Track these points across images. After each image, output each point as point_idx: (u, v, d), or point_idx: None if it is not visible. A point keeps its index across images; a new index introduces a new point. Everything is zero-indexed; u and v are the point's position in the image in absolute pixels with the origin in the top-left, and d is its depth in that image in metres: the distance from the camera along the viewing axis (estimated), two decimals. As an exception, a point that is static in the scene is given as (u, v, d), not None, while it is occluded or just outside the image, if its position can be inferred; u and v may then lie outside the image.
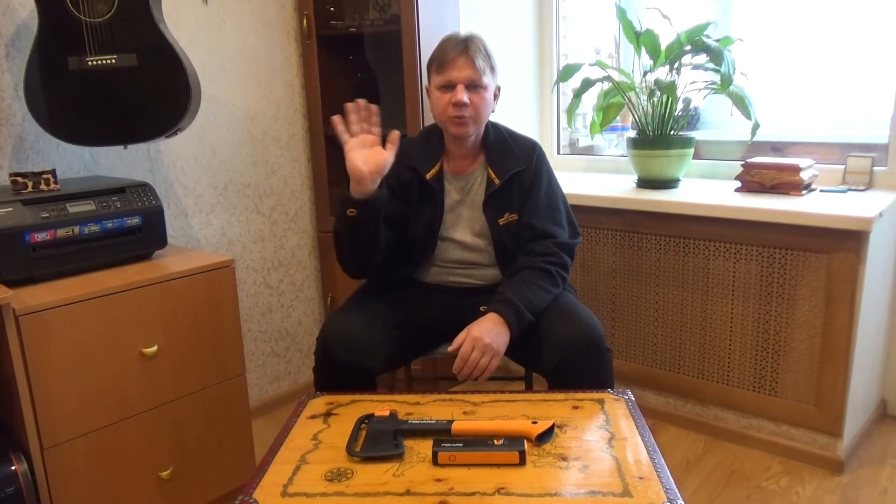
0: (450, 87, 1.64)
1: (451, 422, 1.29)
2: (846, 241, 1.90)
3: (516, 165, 1.72)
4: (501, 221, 1.73)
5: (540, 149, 1.78)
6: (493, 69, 1.69)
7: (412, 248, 1.77)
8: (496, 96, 1.74)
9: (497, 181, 1.71)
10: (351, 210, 1.55)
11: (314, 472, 1.18)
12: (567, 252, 1.72)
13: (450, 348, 1.56)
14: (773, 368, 2.12)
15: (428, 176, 1.72)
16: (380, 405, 1.37)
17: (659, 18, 2.35)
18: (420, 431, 1.28)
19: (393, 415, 1.33)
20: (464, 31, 1.69)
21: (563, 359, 1.52)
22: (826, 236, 1.93)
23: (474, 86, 1.64)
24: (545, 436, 1.24)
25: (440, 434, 1.26)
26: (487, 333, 1.52)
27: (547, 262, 1.66)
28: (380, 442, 1.24)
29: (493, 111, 1.74)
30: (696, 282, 2.22)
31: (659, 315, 2.33)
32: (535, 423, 1.26)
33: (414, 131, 2.33)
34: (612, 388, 1.47)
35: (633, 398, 1.42)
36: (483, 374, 1.53)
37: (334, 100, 2.57)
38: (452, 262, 1.79)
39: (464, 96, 1.62)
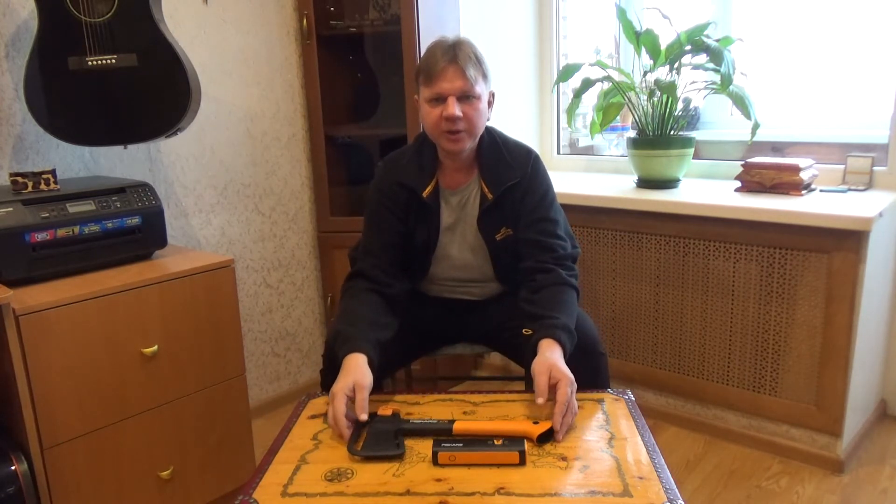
0: (440, 99, 1.52)
1: (452, 421, 1.29)
2: (846, 241, 1.90)
3: (510, 178, 1.61)
4: (498, 237, 1.65)
5: (535, 157, 1.66)
6: (485, 76, 1.56)
7: (408, 264, 1.71)
8: (490, 103, 1.62)
9: (490, 196, 1.61)
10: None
11: (314, 472, 1.18)
12: (575, 263, 1.67)
13: (540, 400, 1.29)
14: (773, 368, 2.12)
15: (424, 194, 1.62)
16: (382, 404, 1.37)
17: (659, 18, 2.35)
18: (421, 431, 1.28)
19: (395, 414, 1.33)
20: (451, 35, 1.57)
21: None
22: (826, 236, 1.93)
23: (466, 97, 1.51)
24: (546, 436, 1.24)
25: (441, 434, 1.26)
26: (564, 366, 1.34)
27: (570, 276, 1.59)
28: (381, 441, 1.24)
29: (487, 119, 1.62)
30: (696, 282, 2.22)
31: (659, 315, 2.33)
32: (536, 423, 1.26)
33: (414, 132, 2.33)
34: (607, 389, 1.47)
35: (633, 398, 1.42)
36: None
37: (334, 100, 2.58)
38: (449, 280, 1.74)
39: (456, 109, 1.50)
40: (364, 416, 1.29)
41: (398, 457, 1.21)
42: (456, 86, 1.51)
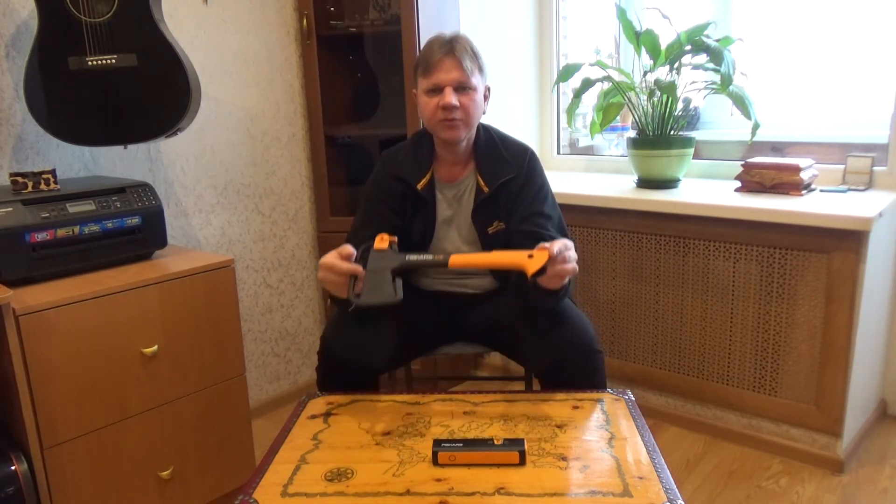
0: (437, 90, 1.58)
1: (448, 256, 1.33)
2: (846, 241, 1.90)
3: (506, 173, 1.65)
4: (490, 230, 1.68)
5: (532, 155, 1.71)
6: (481, 69, 1.62)
7: None
8: (486, 97, 1.67)
9: (486, 189, 1.65)
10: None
11: (314, 472, 1.18)
12: None
13: (540, 246, 1.34)
14: (773, 368, 2.12)
15: (419, 186, 1.66)
16: (379, 239, 1.40)
17: (659, 18, 2.35)
18: (417, 266, 1.34)
19: (392, 246, 1.36)
20: (449, 31, 1.63)
21: (555, 360, 1.52)
22: (826, 236, 1.93)
23: (463, 87, 1.57)
24: (539, 273, 1.27)
25: (437, 266, 1.34)
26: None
27: None
28: (378, 287, 1.26)
29: (483, 112, 1.67)
30: (696, 282, 2.22)
31: (659, 315, 2.33)
32: (531, 256, 1.27)
33: (414, 131, 2.33)
34: (605, 388, 1.47)
35: (633, 398, 1.42)
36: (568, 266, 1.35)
37: (334, 100, 2.58)
38: (445, 273, 1.76)
39: (452, 99, 1.55)
40: (357, 263, 1.34)
41: (396, 304, 1.23)
42: (452, 76, 1.57)
